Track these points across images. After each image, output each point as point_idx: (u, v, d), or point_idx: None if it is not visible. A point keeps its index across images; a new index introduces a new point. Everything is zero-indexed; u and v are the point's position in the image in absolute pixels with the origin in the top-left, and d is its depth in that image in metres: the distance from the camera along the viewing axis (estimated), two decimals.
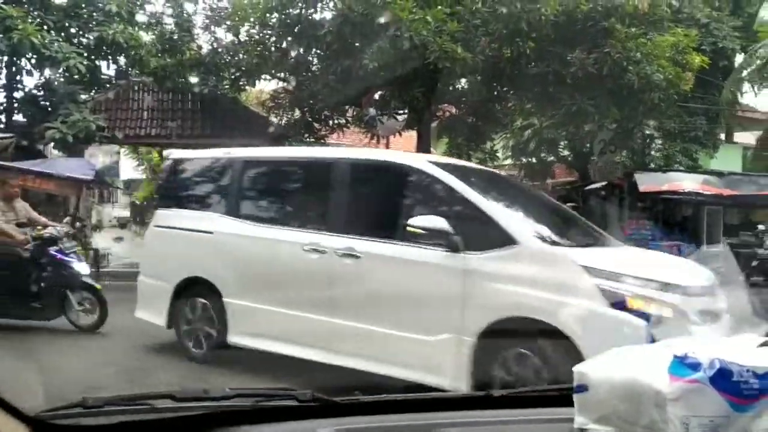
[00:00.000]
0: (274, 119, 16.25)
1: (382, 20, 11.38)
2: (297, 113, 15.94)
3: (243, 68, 14.93)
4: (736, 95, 23.27)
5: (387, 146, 16.11)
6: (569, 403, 1.34)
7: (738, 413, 1.19)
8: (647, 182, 15.93)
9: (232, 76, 15.34)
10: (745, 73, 22.86)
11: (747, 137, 23.67)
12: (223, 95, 15.30)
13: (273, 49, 14.44)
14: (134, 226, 31.75)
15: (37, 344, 7.14)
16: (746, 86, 23.33)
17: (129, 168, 32.07)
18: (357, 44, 12.52)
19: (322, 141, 15.88)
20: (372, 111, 14.10)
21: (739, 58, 21.75)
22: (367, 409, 1.48)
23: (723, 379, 1.18)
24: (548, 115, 14.70)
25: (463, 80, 14.37)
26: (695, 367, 1.20)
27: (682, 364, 1.21)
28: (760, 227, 15.74)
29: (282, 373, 5.65)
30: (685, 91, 15.15)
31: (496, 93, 14.51)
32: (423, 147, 16.25)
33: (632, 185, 16.23)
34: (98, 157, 33.34)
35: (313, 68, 14.59)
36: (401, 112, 14.07)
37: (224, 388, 1.46)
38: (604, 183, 17.49)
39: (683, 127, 19.66)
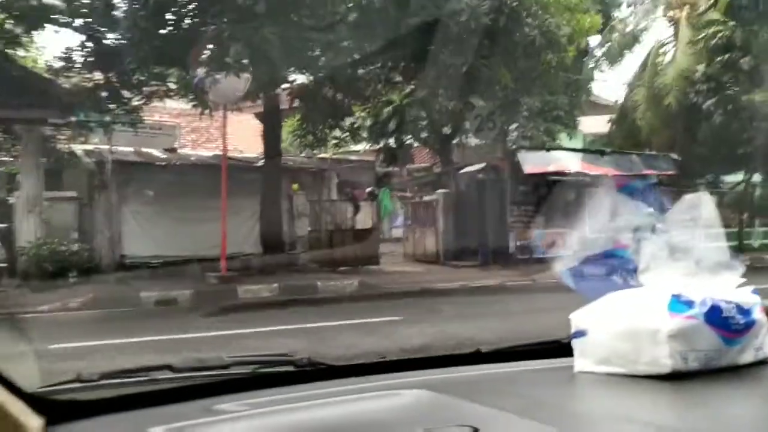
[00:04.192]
0: (65, 84, 11.99)
1: None
2: (99, 76, 11.87)
3: (16, 13, 10.70)
4: (592, 74, 22.61)
5: (224, 123, 12.42)
6: (562, 354, 1.40)
7: (728, 347, 1.27)
8: (532, 162, 13.96)
9: (1, 24, 11.00)
10: (600, 52, 22.24)
11: (587, 124, 22.71)
12: None
13: None
14: None
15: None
16: (603, 66, 22.73)
17: None
18: None
19: (136, 113, 11.95)
20: (201, 72, 10.50)
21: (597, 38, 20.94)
22: (362, 372, 1.49)
23: (715, 315, 1.26)
24: (429, 80, 11.93)
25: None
26: (690, 304, 1.26)
27: (679, 302, 1.26)
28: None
29: None
30: (570, 58, 13.37)
31: (366, 52, 11.53)
32: (270, 122, 12.98)
33: (515, 166, 14.19)
34: None
35: (119, 12, 10.72)
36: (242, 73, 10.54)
37: (222, 357, 1.46)
38: (482, 165, 15.29)
39: (545, 106, 18.30)
